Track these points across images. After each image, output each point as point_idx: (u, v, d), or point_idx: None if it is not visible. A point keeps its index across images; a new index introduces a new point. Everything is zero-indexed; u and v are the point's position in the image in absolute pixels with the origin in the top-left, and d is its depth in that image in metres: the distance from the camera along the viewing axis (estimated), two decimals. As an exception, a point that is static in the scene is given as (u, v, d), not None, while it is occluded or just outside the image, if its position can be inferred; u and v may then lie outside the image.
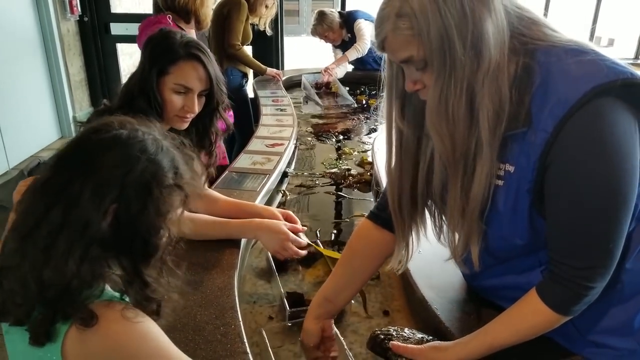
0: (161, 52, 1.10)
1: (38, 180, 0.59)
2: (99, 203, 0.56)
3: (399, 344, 0.84)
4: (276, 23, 3.39)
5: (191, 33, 1.99)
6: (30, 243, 0.57)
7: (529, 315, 0.77)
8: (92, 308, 0.57)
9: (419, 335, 0.88)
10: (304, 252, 1.19)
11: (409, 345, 0.84)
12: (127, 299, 0.62)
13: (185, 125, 1.16)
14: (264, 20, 2.89)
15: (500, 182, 0.76)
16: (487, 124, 0.70)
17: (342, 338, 0.95)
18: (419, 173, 0.85)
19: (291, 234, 1.17)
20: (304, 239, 1.21)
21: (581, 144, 0.68)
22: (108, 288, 0.62)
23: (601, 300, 0.77)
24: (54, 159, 0.60)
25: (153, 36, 1.14)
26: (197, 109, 1.13)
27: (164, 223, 0.62)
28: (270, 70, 3.10)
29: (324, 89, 3.01)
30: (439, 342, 0.85)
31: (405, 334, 0.88)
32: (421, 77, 0.73)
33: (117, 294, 0.62)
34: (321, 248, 1.26)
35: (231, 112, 1.69)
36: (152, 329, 0.61)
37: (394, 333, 0.88)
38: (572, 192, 0.70)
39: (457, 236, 0.82)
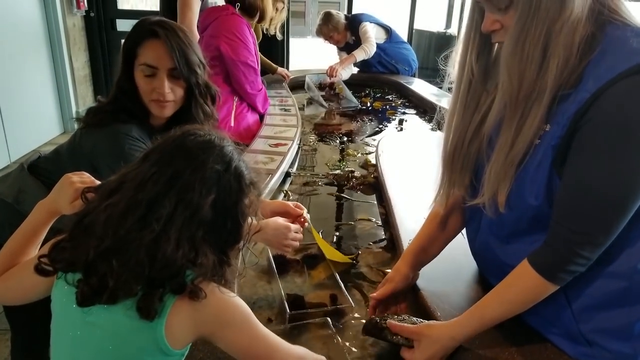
0: (128, 38, 1.09)
1: (143, 174, 0.66)
2: (205, 193, 0.65)
3: (396, 322, 0.86)
4: (282, 24, 3.39)
5: None
6: (142, 228, 0.63)
7: (515, 279, 0.80)
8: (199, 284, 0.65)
9: (414, 319, 0.90)
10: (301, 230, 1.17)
11: (406, 325, 0.86)
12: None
13: (167, 112, 1.11)
14: (274, 24, 2.88)
15: (538, 142, 0.77)
16: (556, 71, 0.71)
17: (342, 343, 0.93)
18: (470, 124, 0.87)
19: (292, 225, 1.14)
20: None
21: (619, 110, 0.68)
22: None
23: (605, 299, 0.78)
24: (153, 156, 0.68)
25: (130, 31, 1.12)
26: (167, 89, 1.08)
27: (247, 215, 0.71)
28: (281, 70, 3.10)
29: (327, 89, 3.00)
30: (434, 321, 0.86)
31: (400, 318, 0.90)
32: (501, 18, 0.76)
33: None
34: (318, 236, 1.25)
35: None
36: (241, 302, 0.71)
37: (391, 317, 0.90)
38: (595, 153, 0.70)
39: (492, 179, 0.81)
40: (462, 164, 0.89)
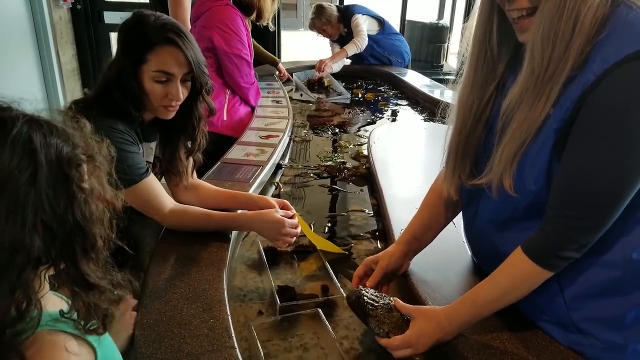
0: (135, 39, 1.04)
1: None
2: (21, 221, 0.47)
3: (401, 303, 0.87)
4: (274, 16, 3.35)
5: None
6: None
7: (507, 265, 0.80)
8: (29, 343, 0.49)
9: (389, 298, 0.90)
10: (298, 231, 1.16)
11: (407, 305, 0.87)
12: (71, 312, 0.56)
13: (172, 115, 1.11)
14: (267, 16, 2.84)
15: (542, 125, 0.75)
16: (577, 50, 0.70)
17: (333, 333, 0.92)
18: (477, 108, 0.85)
19: (287, 220, 1.14)
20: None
21: (622, 94, 0.66)
22: (47, 310, 0.54)
23: (598, 287, 0.77)
24: None
25: (126, 22, 1.08)
26: (182, 95, 1.08)
27: (92, 203, 0.55)
28: (282, 67, 3.02)
29: (316, 85, 2.91)
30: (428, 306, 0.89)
31: (388, 306, 0.89)
32: None
33: (56, 314, 0.55)
34: (307, 229, 1.23)
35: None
36: None
37: (380, 302, 0.89)
38: (595, 137, 0.69)
39: (504, 157, 0.79)
40: (468, 147, 0.88)
